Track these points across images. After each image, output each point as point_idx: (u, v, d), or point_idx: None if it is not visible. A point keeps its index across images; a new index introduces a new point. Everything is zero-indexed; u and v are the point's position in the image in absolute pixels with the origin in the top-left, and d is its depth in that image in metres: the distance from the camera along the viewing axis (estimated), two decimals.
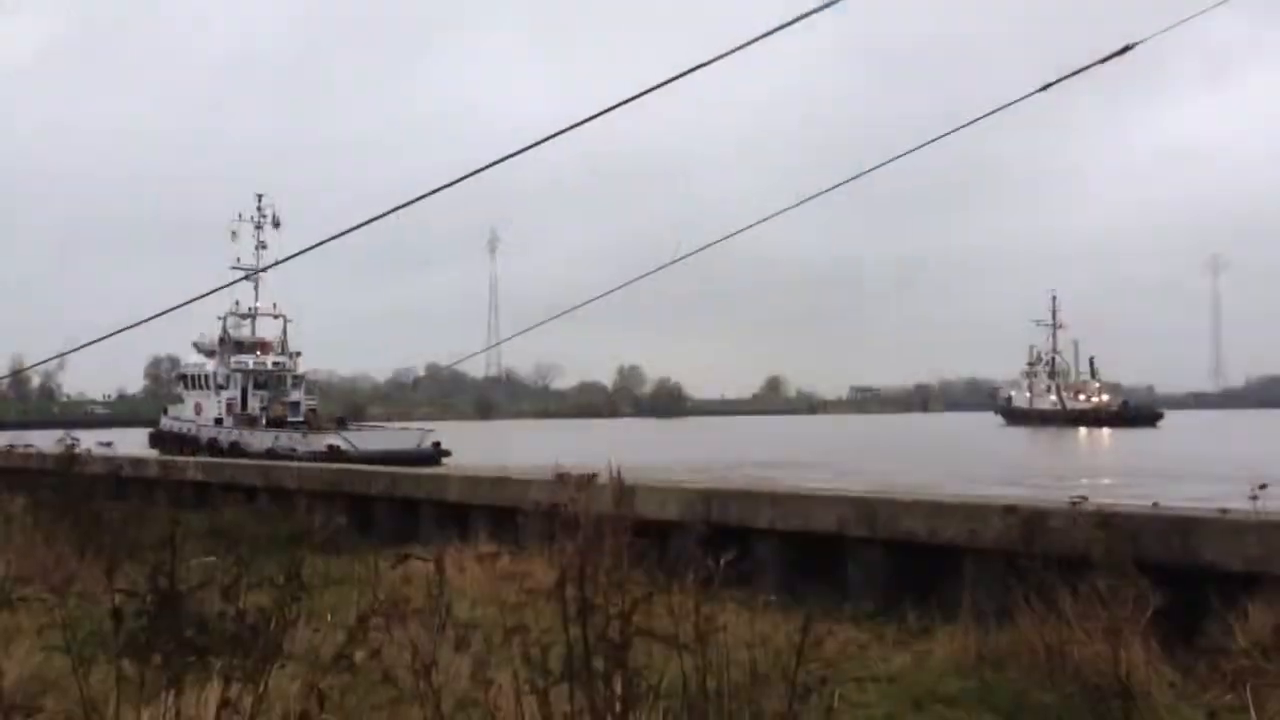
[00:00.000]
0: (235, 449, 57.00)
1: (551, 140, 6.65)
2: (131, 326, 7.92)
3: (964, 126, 8.41)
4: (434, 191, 6.91)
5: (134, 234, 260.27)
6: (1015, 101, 8.06)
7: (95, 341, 8.41)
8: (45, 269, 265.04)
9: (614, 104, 6.44)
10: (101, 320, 8.37)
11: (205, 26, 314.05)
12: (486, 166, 6.84)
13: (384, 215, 7.12)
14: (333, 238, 7.23)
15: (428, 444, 56.65)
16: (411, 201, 7.01)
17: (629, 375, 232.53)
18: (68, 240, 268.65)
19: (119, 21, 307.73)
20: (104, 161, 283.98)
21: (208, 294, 8.02)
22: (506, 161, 6.63)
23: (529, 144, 6.64)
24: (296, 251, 7.69)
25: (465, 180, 6.71)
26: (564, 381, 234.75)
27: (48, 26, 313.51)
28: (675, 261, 9.81)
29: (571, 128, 6.57)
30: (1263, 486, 8.07)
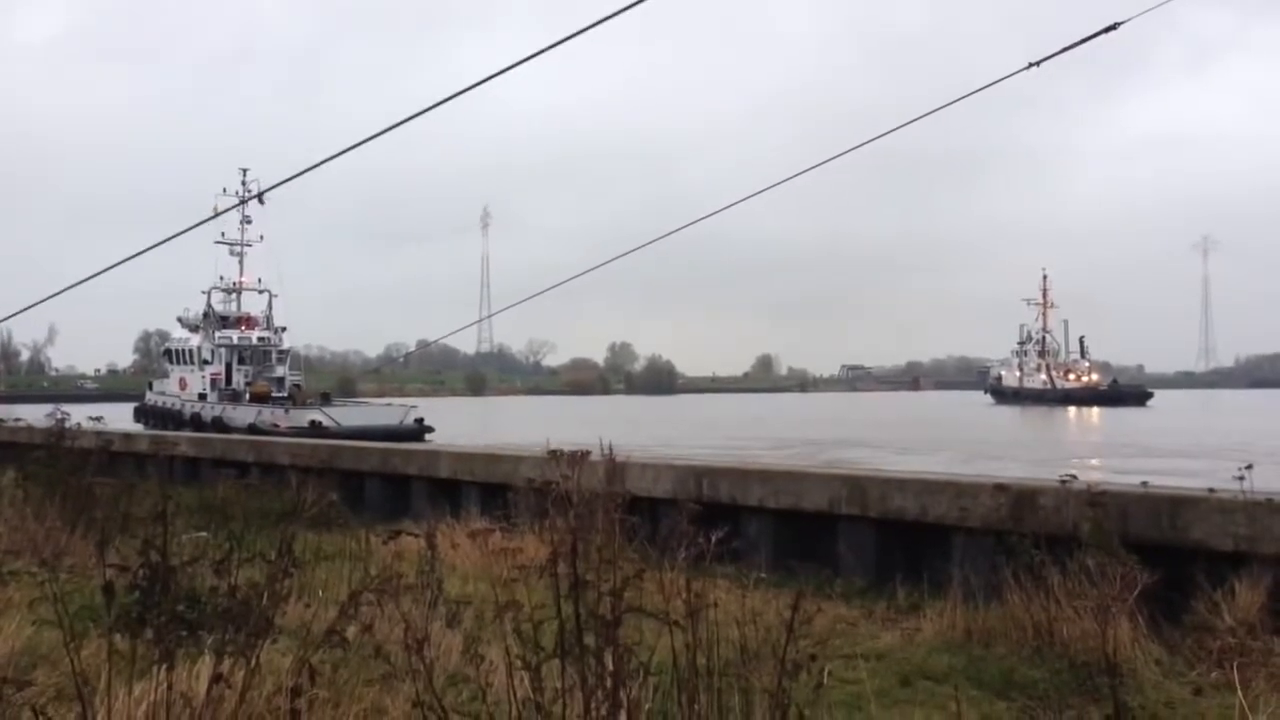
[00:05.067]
0: (218, 424, 56.78)
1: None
2: (91, 278, 7.92)
3: (955, 102, 8.42)
4: (417, 115, 6.91)
5: (133, 214, 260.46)
6: (1005, 78, 8.07)
7: (57, 294, 8.43)
8: (44, 247, 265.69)
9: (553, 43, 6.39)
10: (91, 295, 8.36)
11: (212, 14, 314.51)
12: (463, 90, 6.82)
13: (370, 139, 7.14)
14: (316, 165, 7.24)
15: (410, 420, 56.56)
16: (393, 126, 7.01)
17: (620, 352, 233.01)
18: (68, 219, 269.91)
19: (128, 8, 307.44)
20: (106, 144, 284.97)
21: (184, 231, 7.97)
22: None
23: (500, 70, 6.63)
24: (281, 181, 7.68)
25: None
26: (556, 358, 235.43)
27: (60, 13, 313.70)
28: (664, 237, 9.81)
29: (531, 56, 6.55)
30: (1249, 466, 8.11)
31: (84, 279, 8.06)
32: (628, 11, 6.14)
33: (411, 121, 7.01)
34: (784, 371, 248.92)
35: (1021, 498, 9.25)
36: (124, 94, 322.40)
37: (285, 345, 69.52)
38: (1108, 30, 7.53)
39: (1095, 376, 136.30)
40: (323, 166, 7.18)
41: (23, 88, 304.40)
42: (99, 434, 16.84)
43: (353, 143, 7.10)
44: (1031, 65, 7.92)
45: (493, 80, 6.66)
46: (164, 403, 68.98)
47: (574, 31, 6.34)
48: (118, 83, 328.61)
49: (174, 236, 7.87)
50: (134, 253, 7.88)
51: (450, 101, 6.87)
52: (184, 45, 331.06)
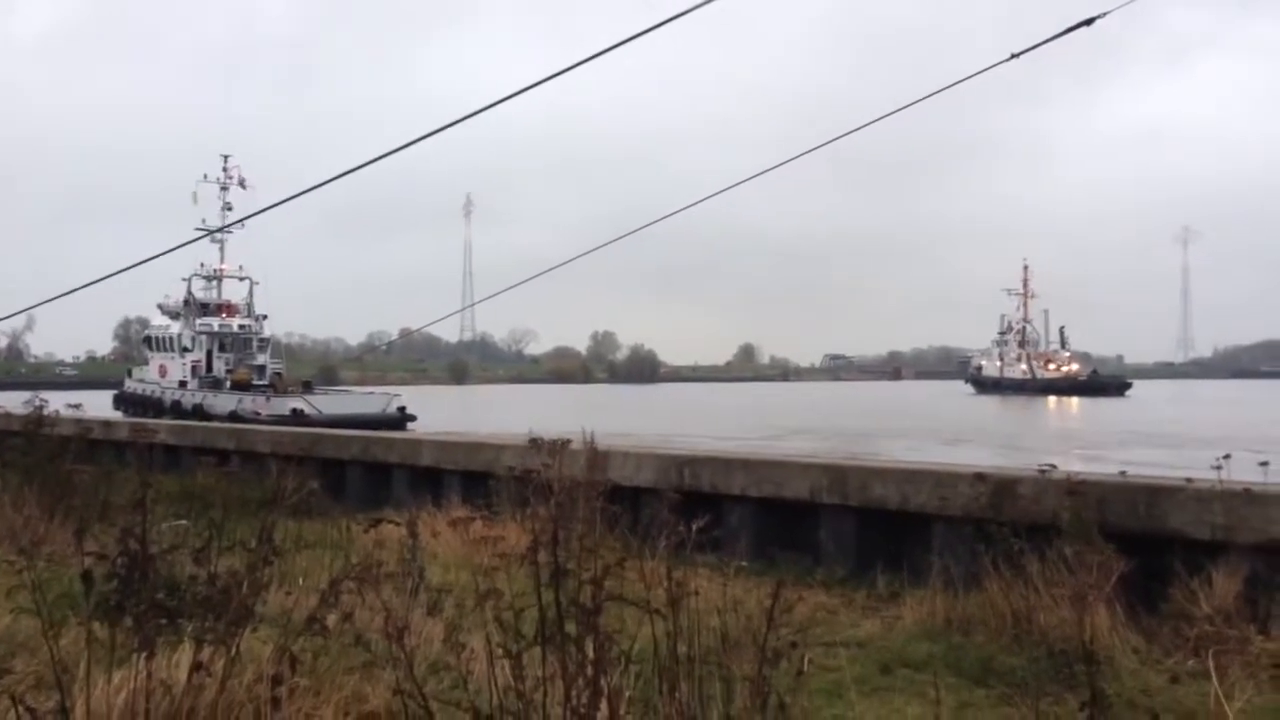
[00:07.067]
0: (199, 412, 56.59)
1: (524, 100, 6.61)
2: (83, 287, 7.86)
3: (937, 93, 8.44)
4: (405, 146, 6.87)
5: (125, 207, 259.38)
6: (985, 70, 8.10)
7: (46, 301, 8.37)
8: (37, 239, 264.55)
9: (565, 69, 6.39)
10: (70, 282, 8.30)
11: (209, 8, 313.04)
12: (455, 122, 6.80)
13: (354, 170, 7.09)
14: (300, 194, 7.20)
15: (393, 408, 56.56)
16: (381, 156, 6.97)
17: (603, 341, 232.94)
18: (61, 212, 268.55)
19: (122, 3, 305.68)
20: (99, 137, 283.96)
21: (172, 250, 7.93)
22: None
23: (492, 102, 6.60)
24: (265, 207, 7.63)
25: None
26: (538, 347, 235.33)
27: (54, 7, 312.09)
28: (648, 226, 9.80)
29: (530, 87, 6.53)
30: (1226, 456, 8.17)
31: (77, 288, 7.99)
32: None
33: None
34: (766, 360, 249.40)
35: (1001, 487, 9.29)
36: (116, 87, 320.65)
37: (266, 333, 69.23)
38: (1085, 24, 7.57)
39: (1075, 367, 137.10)
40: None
41: (15, 81, 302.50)
42: (78, 421, 16.73)
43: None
44: (1013, 56, 7.95)
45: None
46: (144, 390, 68.60)
47: (584, 58, 6.30)
48: (110, 76, 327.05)
49: (167, 252, 7.80)
50: (124, 266, 7.82)
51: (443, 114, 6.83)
52: (177, 39, 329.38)
